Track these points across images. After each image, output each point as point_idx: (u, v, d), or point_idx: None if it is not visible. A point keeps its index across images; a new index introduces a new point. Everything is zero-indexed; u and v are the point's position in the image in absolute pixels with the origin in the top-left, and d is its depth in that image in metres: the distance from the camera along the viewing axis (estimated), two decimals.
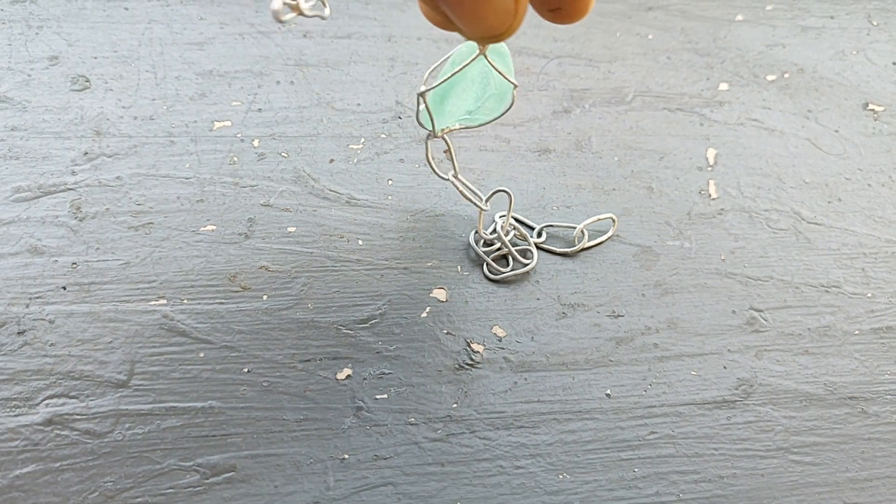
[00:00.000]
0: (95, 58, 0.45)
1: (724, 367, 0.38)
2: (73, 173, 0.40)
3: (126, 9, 0.47)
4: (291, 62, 0.46)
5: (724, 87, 0.49)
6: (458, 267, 0.40)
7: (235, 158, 0.42)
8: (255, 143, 0.43)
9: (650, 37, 0.51)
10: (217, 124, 0.43)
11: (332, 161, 0.43)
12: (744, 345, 0.39)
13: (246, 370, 0.35)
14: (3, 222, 0.38)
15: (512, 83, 0.34)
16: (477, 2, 0.25)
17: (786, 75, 0.50)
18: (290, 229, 0.40)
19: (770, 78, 0.50)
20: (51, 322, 0.36)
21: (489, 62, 0.33)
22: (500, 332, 0.38)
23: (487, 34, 0.26)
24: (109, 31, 0.46)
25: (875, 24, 0.54)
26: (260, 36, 0.47)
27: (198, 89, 0.45)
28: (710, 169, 0.45)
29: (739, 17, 0.53)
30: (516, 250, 0.40)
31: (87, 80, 0.44)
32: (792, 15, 0.54)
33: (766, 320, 0.40)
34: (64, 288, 0.37)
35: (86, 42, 0.46)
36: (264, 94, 0.45)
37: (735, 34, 0.52)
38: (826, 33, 0.53)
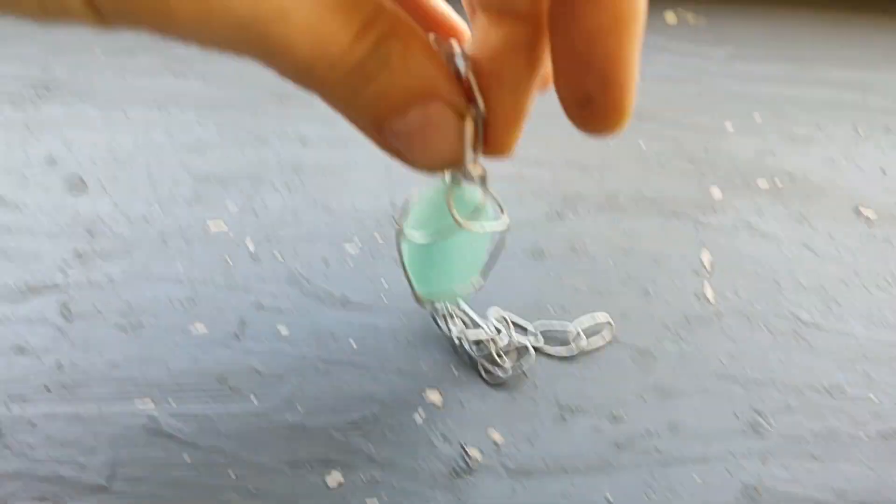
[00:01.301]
0: (93, 161, 0.45)
1: (729, 473, 0.36)
2: (64, 273, 0.40)
3: (126, 115, 0.48)
4: (288, 167, 0.47)
5: (716, 193, 0.49)
6: (453, 369, 0.39)
7: (229, 260, 0.42)
8: (250, 244, 0.43)
9: (642, 145, 0.52)
10: (212, 227, 0.43)
11: (326, 262, 0.43)
12: (748, 449, 0.37)
13: (233, 475, 0.34)
14: None
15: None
16: (428, 133, 0.25)
17: (777, 182, 0.51)
18: (282, 331, 0.39)
19: (762, 184, 0.50)
20: (32, 424, 0.35)
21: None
22: (496, 436, 0.37)
23: (439, 164, 0.27)
24: (108, 136, 0.47)
25: (861, 133, 0.55)
26: (257, 142, 0.48)
27: (193, 192, 0.45)
28: (706, 273, 0.45)
29: (729, 128, 0.54)
30: (509, 346, 0.40)
31: (84, 182, 0.44)
32: (780, 125, 0.55)
33: (769, 424, 0.38)
34: (47, 388, 0.36)
35: (84, 146, 0.46)
36: (260, 198, 0.45)
37: (725, 143, 0.53)
38: (814, 142, 0.54)
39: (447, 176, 0.30)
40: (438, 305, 0.38)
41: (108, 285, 0.40)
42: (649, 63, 0.57)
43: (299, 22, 0.21)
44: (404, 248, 0.34)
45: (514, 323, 0.41)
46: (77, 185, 0.44)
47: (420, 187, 0.34)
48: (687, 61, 0.59)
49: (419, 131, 0.25)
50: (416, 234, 0.33)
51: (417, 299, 0.35)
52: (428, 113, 0.25)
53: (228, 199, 0.45)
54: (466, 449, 0.36)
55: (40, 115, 0.48)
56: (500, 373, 0.39)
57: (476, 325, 0.40)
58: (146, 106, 0.49)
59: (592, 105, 0.25)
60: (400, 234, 0.33)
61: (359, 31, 0.22)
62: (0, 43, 0.52)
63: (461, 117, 0.26)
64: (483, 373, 0.39)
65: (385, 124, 0.25)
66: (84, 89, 0.50)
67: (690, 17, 0.62)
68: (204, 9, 0.20)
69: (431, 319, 0.38)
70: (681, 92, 0.57)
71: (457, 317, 0.39)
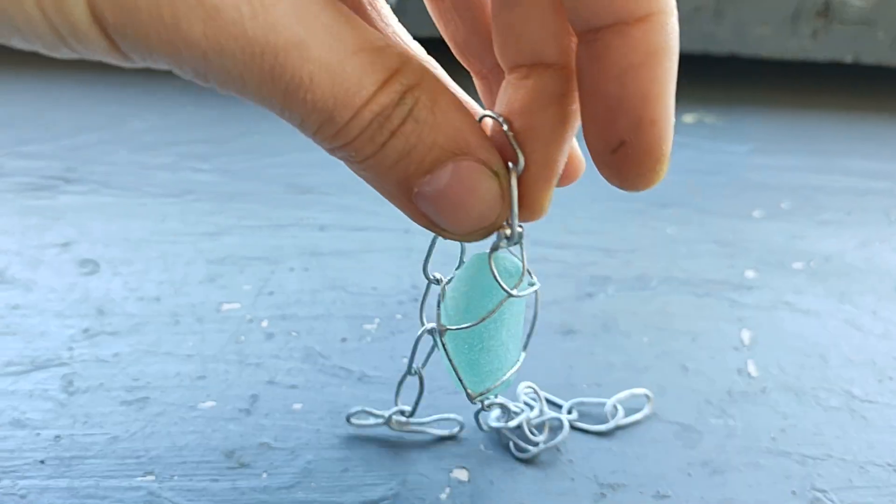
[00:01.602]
0: (107, 245, 0.45)
1: None
2: (70, 349, 0.38)
3: (143, 205, 0.48)
4: (307, 252, 0.46)
5: (750, 273, 0.48)
6: (481, 445, 0.36)
7: (242, 338, 0.40)
8: (264, 323, 0.41)
9: (668, 230, 0.51)
10: (225, 306, 0.42)
11: (344, 340, 0.41)
12: None
13: None
14: None
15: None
16: (461, 193, 0.23)
17: (812, 263, 0.49)
18: (295, 406, 0.37)
19: (796, 265, 0.49)
20: (22, 497, 0.32)
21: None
22: None
23: (475, 228, 0.25)
24: (124, 223, 0.47)
25: (893, 218, 0.54)
26: (275, 228, 0.47)
27: (208, 274, 0.44)
28: (746, 349, 0.42)
29: (756, 214, 0.53)
30: (542, 421, 0.37)
31: (96, 265, 0.43)
32: (808, 211, 0.54)
33: (832, 501, 0.35)
34: (42, 462, 0.33)
35: (99, 231, 0.46)
36: (277, 279, 0.44)
37: (754, 228, 0.52)
38: (845, 226, 0.53)
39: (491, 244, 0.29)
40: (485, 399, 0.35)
41: (114, 361, 0.38)
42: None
43: (317, 57, 0.20)
44: (448, 344, 0.31)
45: (546, 399, 0.39)
46: (89, 267, 0.43)
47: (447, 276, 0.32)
48: (708, 156, 0.59)
49: (451, 192, 0.23)
50: (460, 324, 0.30)
51: (470, 397, 0.32)
52: (459, 172, 0.23)
53: (243, 281, 0.44)
54: None
55: (57, 203, 0.48)
56: (531, 448, 0.36)
57: (506, 409, 0.37)
58: (163, 196, 0.49)
59: (625, 149, 0.23)
60: (441, 330, 0.30)
61: (385, 80, 0.21)
62: (24, 141, 0.53)
63: (495, 175, 0.24)
64: (514, 449, 0.36)
65: (414, 186, 0.23)
66: (102, 182, 0.50)
67: (708, 118, 0.63)
68: (214, 31, 0.19)
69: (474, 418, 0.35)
70: (704, 182, 0.56)
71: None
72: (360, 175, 0.24)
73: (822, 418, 0.39)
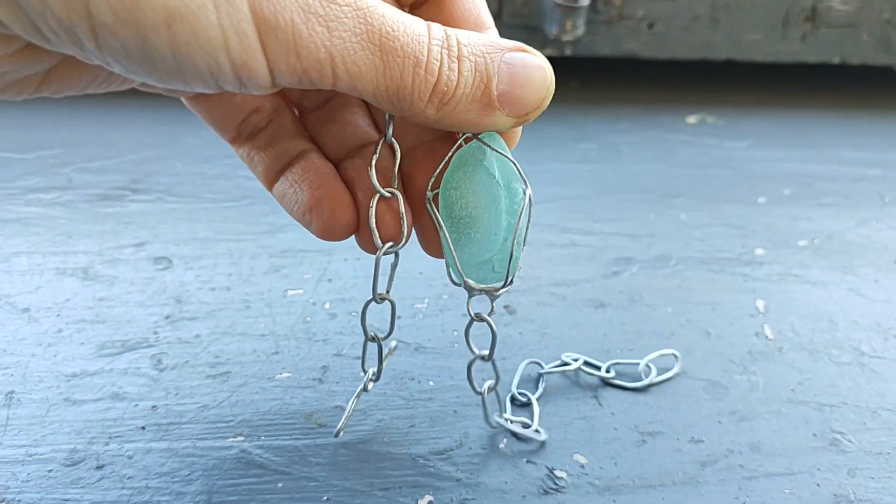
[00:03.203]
0: (177, 244, 0.49)
1: (818, 485, 0.36)
2: (155, 333, 0.42)
3: (206, 209, 0.53)
4: (356, 246, 0.50)
5: (760, 251, 0.52)
6: (533, 402, 0.40)
7: (309, 318, 0.44)
8: (327, 305, 0.45)
9: (682, 217, 0.55)
10: (290, 292, 0.46)
11: (399, 317, 0.45)
12: (832, 464, 0.37)
13: (325, 498, 0.34)
14: (87, 374, 0.40)
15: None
16: (519, 71, 0.29)
17: (815, 241, 0.54)
18: (362, 374, 0.41)
19: (801, 244, 0.53)
20: (129, 458, 0.35)
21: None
22: (581, 459, 0.37)
23: (540, 98, 0.30)
24: (190, 225, 0.51)
25: (887, 200, 0.58)
26: None
27: (271, 266, 0.48)
28: (761, 316, 0.47)
29: (761, 200, 0.58)
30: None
31: (170, 261, 0.48)
32: (809, 196, 0.59)
33: (850, 441, 0.39)
34: (143, 428, 0.37)
35: (169, 232, 0.51)
36: (334, 268, 0.48)
37: (760, 212, 0.57)
38: (844, 208, 0.57)
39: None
40: None
41: (196, 342, 0.42)
42: (676, 155, 0.61)
43: (378, 84, 0.26)
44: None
45: (586, 361, 0.43)
46: (163, 263, 0.48)
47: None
48: (712, 152, 0.64)
49: (515, 77, 0.29)
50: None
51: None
52: (511, 59, 0.29)
53: (304, 271, 0.48)
54: (553, 471, 0.36)
55: (128, 210, 0.52)
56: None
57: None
58: (222, 201, 0.54)
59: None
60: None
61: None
62: (91, 158, 0.57)
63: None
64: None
65: (493, 92, 0.29)
66: (166, 190, 0.55)
67: (710, 118, 0.68)
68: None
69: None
70: (710, 175, 0.61)
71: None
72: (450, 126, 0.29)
73: (835, 372, 0.43)
